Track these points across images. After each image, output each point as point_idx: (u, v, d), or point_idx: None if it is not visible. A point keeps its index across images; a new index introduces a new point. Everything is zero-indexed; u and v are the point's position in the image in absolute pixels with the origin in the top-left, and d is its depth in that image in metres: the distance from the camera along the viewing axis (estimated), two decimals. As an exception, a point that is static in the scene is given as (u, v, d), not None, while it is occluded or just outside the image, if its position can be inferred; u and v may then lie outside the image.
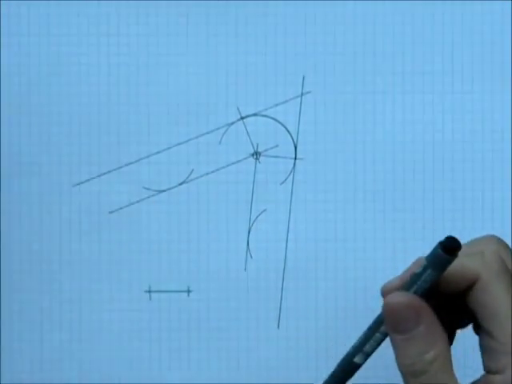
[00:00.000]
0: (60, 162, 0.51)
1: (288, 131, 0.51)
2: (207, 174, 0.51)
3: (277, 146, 0.51)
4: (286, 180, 0.51)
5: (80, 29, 0.51)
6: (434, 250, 0.36)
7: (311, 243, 0.51)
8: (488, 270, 0.37)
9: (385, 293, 0.38)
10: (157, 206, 0.51)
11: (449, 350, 0.36)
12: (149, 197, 0.51)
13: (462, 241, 0.50)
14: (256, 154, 0.51)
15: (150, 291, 0.51)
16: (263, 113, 0.51)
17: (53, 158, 0.50)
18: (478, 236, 0.42)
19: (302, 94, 0.51)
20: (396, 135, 0.51)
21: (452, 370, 0.36)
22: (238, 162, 0.51)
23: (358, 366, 0.37)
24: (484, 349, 0.36)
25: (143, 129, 0.51)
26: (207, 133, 0.51)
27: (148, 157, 0.51)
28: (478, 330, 0.37)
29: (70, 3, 0.51)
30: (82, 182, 0.51)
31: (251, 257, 0.51)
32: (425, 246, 0.51)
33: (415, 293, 0.35)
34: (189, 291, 0.51)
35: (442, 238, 0.51)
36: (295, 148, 0.51)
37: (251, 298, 0.51)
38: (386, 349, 0.49)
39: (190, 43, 0.51)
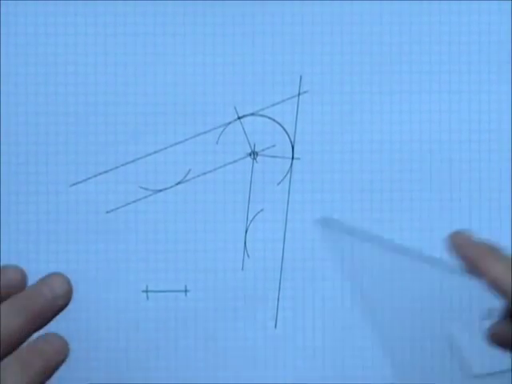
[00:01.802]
0: (57, 162, 0.51)
1: (285, 131, 0.51)
2: (204, 173, 0.51)
3: (274, 145, 0.51)
4: (283, 180, 0.51)
5: (77, 28, 0.51)
6: None
7: (308, 243, 0.51)
8: None
9: None
10: (154, 206, 0.51)
11: None
12: (146, 197, 0.51)
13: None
14: (253, 154, 0.51)
15: (147, 291, 0.51)
16: (260, 112, 0.51)
17: (50, 158, 0.50)
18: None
19: (299, 94, 0.51)
20: (393, 135, 0.51)
21: None
22: (235, 161, 0.51)
23: None
24: None
25: (140, 128, 0.51)
26: (204, 132, 0.51)
27: (145, 156, 0.51)
28: None
29: (68, 3, 0.51)
30: (79, 182, 0.51)
31: (248, 256, 0.51)
32: (422, 246, 0.51)
33: None
34: (186, 291, 0.51)
35: (439, 238, 0.51)
36: (292, 148, 0.51)
37: (248, 298, 0.51)
38: (382, 350, 0.49)
39: (186, 43, 0.51)
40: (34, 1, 0.51)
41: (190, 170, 0.51)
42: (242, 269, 0.51)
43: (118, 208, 0.50)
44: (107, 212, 0.51)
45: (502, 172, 0.51)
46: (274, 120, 0.51)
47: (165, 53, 0.51)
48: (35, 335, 0.39)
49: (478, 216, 0.51)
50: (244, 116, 0.51)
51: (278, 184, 0.51)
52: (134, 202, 0.51)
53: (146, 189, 0.51)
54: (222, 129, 0.51)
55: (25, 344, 0.38)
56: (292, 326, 0.46)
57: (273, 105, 0.51)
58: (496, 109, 0.51)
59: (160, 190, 0.51)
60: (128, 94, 0.51)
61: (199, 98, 0.51)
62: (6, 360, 0.37)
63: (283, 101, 0.51)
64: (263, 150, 0.51)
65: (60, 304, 0.41)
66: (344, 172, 0.51)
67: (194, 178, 0.51)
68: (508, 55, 0.51)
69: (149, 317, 0.51)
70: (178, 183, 0.51)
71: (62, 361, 0.39)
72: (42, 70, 0.51)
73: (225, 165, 0.51)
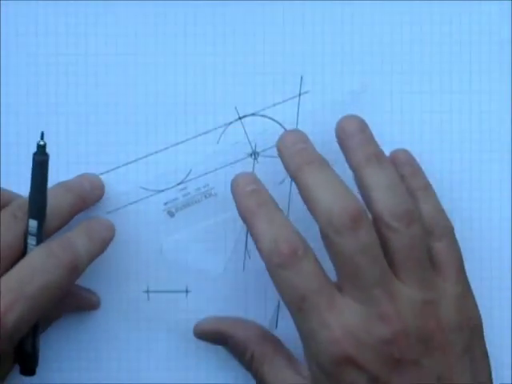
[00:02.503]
0: (57, 162, 0.51)
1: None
2: (205, 174, 0.51)
3: (275, 146, 0.51)
4: (284, 180, 0.51)
5: (78, 28, 0.51)
6: None
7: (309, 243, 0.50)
8: None
9: None
10: (155, 206, 0.51)
11: None
12: (147, 197, 0.51)
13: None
14: (254, 154, 0.51)
15: (148, 291, 0.51)
16: (261, 113, 0.51)
17: (50, 158, 0.50)
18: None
19: (300, 94, 0.51)
20: (394, 135, 0.51)
21: None
22: (236, 162, 0.51)
23: None
24: None
25: (141, 129, 0.51)
26: (205, 133, 0.51)
27: (146, 157, 0.51)
28: None
29: (69, 3, 0.51)
30: (80, 182, 0.50)
31: (249, 257, 0.51)
32: (423, 246, 0.51)
33: None
34: (187, 291, 0.51)
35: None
36: (293, 148, 0.51)
37: (249, 299, 0.51)
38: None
39: (187, 43, 0.51)
40: (35, 1, 0.51)
41: (190, 171, 0.51)
42: (243, 269, 0.51)
43: (118, 208, 0.50)
44: (108, 212, 0.51)
45: (502, 172, 0.51)
46: (274, 120, 0.51)
47: (165, 53, 0.51)
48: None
49: (478, 216, 0.51)
50: (245, 116, 0.51)
51: (280, 184, 0.51)
52: (134, 202, 0.51)
53: (147, 189, 0.51)
54: (222, 129, 0.51)
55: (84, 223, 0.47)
56: (292, 326, 0.46)
57: (274, 105, 0.51)
58: (496, 109, 0.51)
59: (161, 191, 0.51)
60: (128, 94, 0.51)
61: (200, 98, 0.51)
62: (75, 231, 0.46)
63: (284, 101, 0.51)
64: (264, 151, 0.51)
65: (97, 194, 0.49)
66: (345, 173, 0.51)
67: (194, 178, 0.51)
68: (508, 55, 0.51)
69: (149, 317, 0.51)
70: (179, 184, 0.51)
71: (112, 237, 0.48)
72: (43, 70, 0.51)
73: (226, 165, 0.51)
